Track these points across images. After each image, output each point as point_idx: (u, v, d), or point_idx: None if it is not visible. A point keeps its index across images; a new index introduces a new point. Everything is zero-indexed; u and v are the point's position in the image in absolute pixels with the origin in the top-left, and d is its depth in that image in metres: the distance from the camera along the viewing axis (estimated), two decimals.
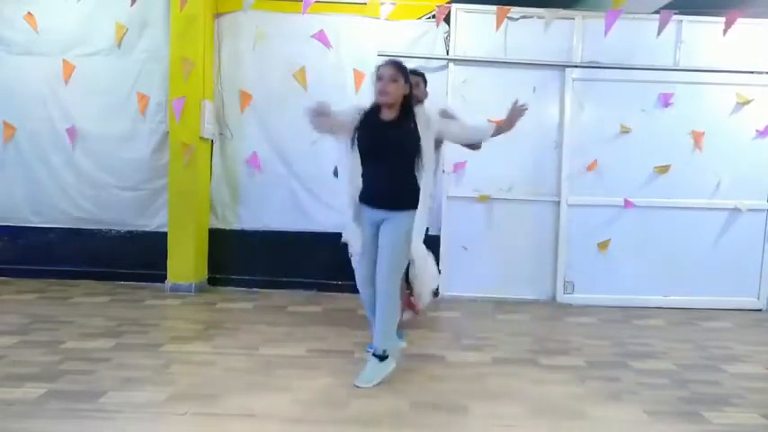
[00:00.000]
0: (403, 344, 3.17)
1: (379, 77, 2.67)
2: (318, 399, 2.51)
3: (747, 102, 4.69)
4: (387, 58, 2.84)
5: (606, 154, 4.73)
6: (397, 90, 2.65)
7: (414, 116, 2.69)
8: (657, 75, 4.71)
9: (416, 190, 2.70)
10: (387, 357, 2.71)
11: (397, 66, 2.70)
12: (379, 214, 2.72)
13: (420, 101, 3.21)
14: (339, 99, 4.65)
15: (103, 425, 2.18)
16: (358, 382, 2.65)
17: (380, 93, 2.64)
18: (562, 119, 4.74)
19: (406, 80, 2.70)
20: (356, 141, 2.69)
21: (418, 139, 2.66)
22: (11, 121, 4.74)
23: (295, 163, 4.80)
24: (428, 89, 3.51)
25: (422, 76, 3.44)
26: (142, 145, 4.75)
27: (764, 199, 4.79)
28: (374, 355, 2.72)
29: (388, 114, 2.70)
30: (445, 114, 3.15)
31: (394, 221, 2.69)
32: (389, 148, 2.66)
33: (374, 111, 2.72)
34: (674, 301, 4.75)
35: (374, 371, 2.68)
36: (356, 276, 2.87)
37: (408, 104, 2.71)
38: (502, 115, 4.60)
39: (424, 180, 2.70)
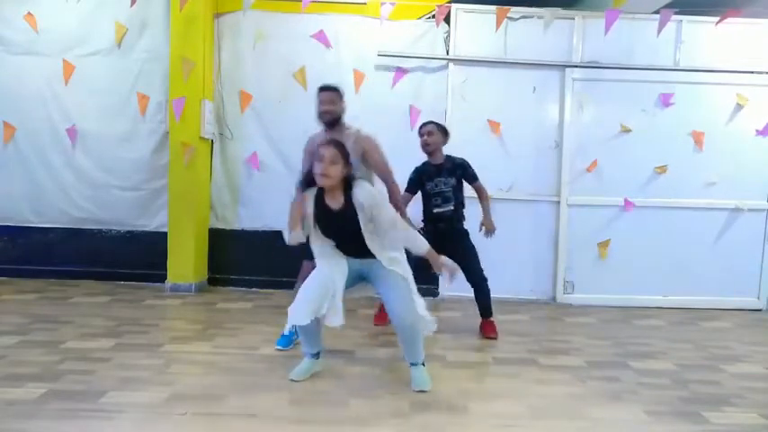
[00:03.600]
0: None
1: (319, 158, 2.53)
2: (318, 399, 2.51)
3: (747, 102, 4.69)
4: (326, 138, 2.69)
5: (606, 154, 4.73)
6: (337, 172, 2.56)
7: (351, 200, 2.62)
8: (657, 75, 4.71)
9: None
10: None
11: (338, 146, 2.59)
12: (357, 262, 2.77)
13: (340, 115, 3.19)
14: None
15: (103, 425, 2.17)
16: (423, 387, 2.63)
17: (320, 175, 2.54)
18: (562, 119, 4.74)
19: (347, 161, 2.60)
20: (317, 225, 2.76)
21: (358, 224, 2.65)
22: (11, 121, 4.74)
23: (295, 163, 4.77)
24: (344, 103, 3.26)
25: (337, 91, 3.18)
26: (142, 145, 4.75)
27: (764, 199, 4.79)
28: (417, 364, 2.71)
29: (332, 200, 2.67)
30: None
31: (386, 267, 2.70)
32: (347, 236, 2.72)
33: (320, 194, 2.68)
34: (674, 301, 4.75)
35: (425, 374, 2.70)
36: (309, 286, 2.76)
37: (350, 186, 2.63)
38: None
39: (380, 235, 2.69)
